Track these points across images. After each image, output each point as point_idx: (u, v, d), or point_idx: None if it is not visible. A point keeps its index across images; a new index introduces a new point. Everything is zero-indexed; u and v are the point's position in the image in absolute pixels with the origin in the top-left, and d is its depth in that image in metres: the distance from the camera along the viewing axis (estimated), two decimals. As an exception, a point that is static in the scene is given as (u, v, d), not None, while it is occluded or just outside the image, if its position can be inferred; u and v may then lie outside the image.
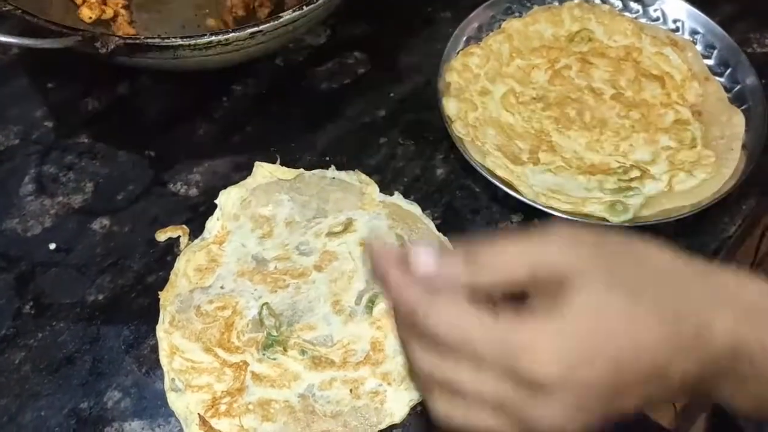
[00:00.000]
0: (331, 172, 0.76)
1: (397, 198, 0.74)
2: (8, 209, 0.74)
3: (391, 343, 0.65)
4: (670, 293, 0.40)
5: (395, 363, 0.64)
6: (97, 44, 0.66)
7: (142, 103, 0.83)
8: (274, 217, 0.72)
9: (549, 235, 0.41)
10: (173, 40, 0.69)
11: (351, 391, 0.62)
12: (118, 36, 0.68)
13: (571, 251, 0.40)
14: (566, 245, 0.41)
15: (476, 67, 0.83)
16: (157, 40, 0.69)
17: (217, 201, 0.73)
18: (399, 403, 0.62)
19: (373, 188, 0.74)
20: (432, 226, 0.73)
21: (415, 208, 0.73)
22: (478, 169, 0.74)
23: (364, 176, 0.75)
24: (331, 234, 0.71)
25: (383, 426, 0.61)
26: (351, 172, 0.76)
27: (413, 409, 0.62)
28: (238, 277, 0.68)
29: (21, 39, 0.66)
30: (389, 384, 0.63)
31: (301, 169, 0.76)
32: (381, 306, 0.66)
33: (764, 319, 0.40)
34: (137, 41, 0.69)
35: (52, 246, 0.72)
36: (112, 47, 0.66)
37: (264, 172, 0.75)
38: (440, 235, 0.72)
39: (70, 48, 0.67)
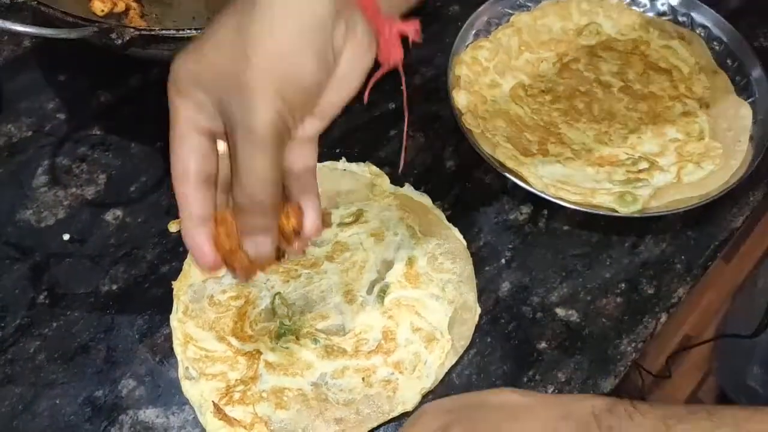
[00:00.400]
0: (342, 163, 0.76)
1: (408, 189, 0.75)
2: (22, 200, 0.75)
3: (402, 332, 0.65)
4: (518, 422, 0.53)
5: (407, 352, 0.64)
6: (113, 35, 0.67)
7: (153, 95, 0.82)
8: (286, 207, 0.72)
9: (422, 415, 0.55)
10: (187, 31, 0.69)
11: (363, 379, 0.63)
12: (133, 27, 0.68)
13: (442, 418, 0.54)
14: (435, 417, 0.54)
15: (485, 60, 0.83)
16: (171, 32, 0.69)
17: (230, 192, 0.73)
18: (411, 391, 0.63)
19: (383, 180, 0.75)
20: (442, 216, 0.73)
21: (425, 199, 0.74)
22: (488, 160, 0.75)
23: (374, 168, 0.76)
24: (342, 224, 0.71)
25: (395, 414, 0.62)
26: (362, 163, 0.76)
27: (425, 397, 0.63)
28: (251, 266, 0.69)
29: (38, 29, 0.66)
30: (401, 372, 0.63)
31: (313, 161, 0.76)
32: (392, 296, 0.67)
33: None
34: (152, 32, 0.69)
35: (66, 237, 0.72)
36: (128, 38, 0.67)
37: (275, 163, 0.75)
38: (451, 225, 0.72)
39: (85, 39, 0.67)
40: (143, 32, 0.68)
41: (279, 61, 0.43)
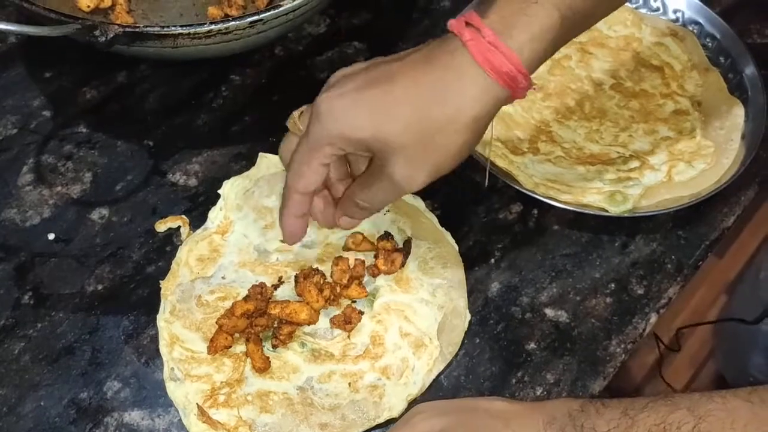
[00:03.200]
0: (334, 163, 0.75)
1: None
2: (6, 199, 0.74)
3: (390, 337, 0.65)
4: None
5: (395, 357, 0.64)
6: (97, 32, 0.66)
7: (140, 92, 0.83)
8: (277, 208, 0.72)
9: (416, 415, 0.55)
10: (173, 28, 0.69)
11: (350, 384, 0.62)
12: (118, 24, 0.68)
13: (439, 421, 0.55)
14: (432, 418, 0.55)
15: (476, 57, 0.82)
16: (156, 29, 0.68)
17: (220, 191, 0.73)
18: (397, 397, 0.62)
19: (375, 179, 0.74)
20: (435, 220, 0.72)
21: (418, 203, 0.73)
22: (478, 159, 0.74)
23: (366, 167, 0.75)
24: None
25: (381, 420, 0.61)
26: (353, 163, 0.75)
27: (411, 404, 0.62)
28: (240, 267, 0.68)
29: (20, 26, 0.66)
30: (388, 378, 0.63)
31: (304, 160, 0.75)
32: (382, 300, 0.66)
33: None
34: (137, 29, 0.68)
35: (51, 236, 0.72)
36: (112, 35, 0.66)
37: (268, 162, 0.75)
38: (443, 229, 0.72)
39: (69, 36, 0.67)
40: (127, 29, 0.68)
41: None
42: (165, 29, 0.69)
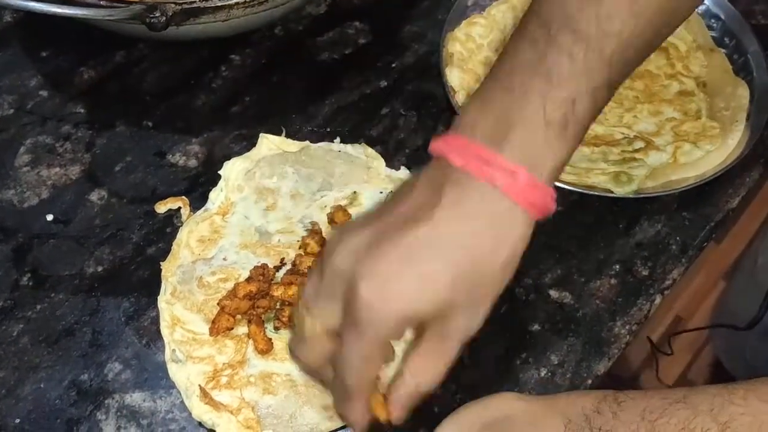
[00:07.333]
0: (337, 145, 0.75)
1: (404, 173, 0.73)
2: (4, 180, 0.73)
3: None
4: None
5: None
6: (157, 12, 0.66)
7: (139, 72, 0.81)
8: (279, 189, 0.71)
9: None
10: (227, 0, 0.70)
11: (353, 365, 0.62)
12: (173, 2, 0.67)
13: None
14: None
15: (479, 37, 0.82)
16: (211, 3, 0.69)
17: (221, 172, 0.72)
18: (402, 378, 0.61)
19: (379, 162, 0.73)
20: (437, 201, 0.72)
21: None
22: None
23: (370, 150, 0.74)
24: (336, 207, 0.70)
25: (384, 402, 0.61)
26: (357, 145, 0.75)
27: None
28: (241, 249, 0.68)
29: (84, 10, 0.65)
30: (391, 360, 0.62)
31: (307, 142, 0.75)
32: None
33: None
34: (194, 5, 0.69)
35: (50, 217, 0.71)
36: (170, 14, 0.66)
37: (269, 143, 0.74)
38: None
39: (124, 19, 0.67)
40: (185, 6, 0.68)
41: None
42: (220, 1, 0.69)
